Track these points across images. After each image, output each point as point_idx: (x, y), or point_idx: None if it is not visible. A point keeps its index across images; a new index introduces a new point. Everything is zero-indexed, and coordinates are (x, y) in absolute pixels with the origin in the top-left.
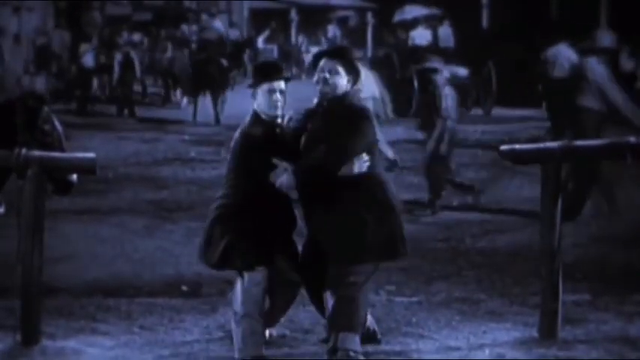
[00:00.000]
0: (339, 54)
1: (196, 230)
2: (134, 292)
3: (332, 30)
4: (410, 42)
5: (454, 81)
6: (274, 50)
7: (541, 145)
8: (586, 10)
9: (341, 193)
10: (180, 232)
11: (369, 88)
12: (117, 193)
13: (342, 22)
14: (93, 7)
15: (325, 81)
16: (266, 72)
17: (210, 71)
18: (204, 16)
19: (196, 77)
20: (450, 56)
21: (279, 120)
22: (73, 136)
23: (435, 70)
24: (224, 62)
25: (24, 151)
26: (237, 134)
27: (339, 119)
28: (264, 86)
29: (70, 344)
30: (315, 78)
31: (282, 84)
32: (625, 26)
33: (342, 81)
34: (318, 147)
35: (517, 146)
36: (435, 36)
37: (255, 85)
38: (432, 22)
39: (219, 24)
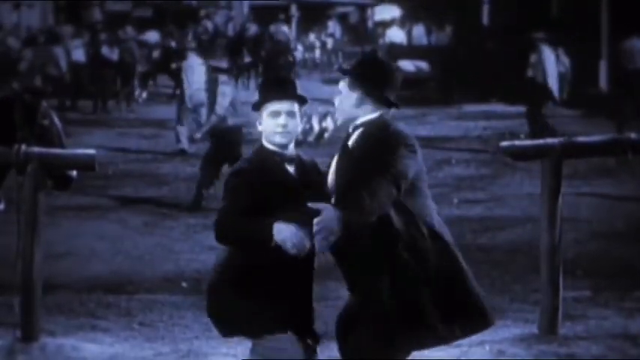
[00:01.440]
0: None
1: (196, 227)
2: (134, 288)
3: (332, 26)
4: (387, 40)
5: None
6: None
7: (541, 141)
8: (586, 7)
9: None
10: (180, 229)
11: (199, 79)
12: (117, 190)
13: (343, 18)
14: (93, 4)
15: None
16: (271, 89)
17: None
18: (272, 27)
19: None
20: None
21: (291, 152)
22: (72, 132)
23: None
24: (291, 59)
25: (23, 147)
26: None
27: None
28: (268, 107)
29: (69, 341)
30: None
31: (288, 105)
32: (625, 24)
33: (349, 101)
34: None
35: (517, 142)
36: (409, 35)
37: (259, 106)
38: (406, 22)
39: (285, 28)
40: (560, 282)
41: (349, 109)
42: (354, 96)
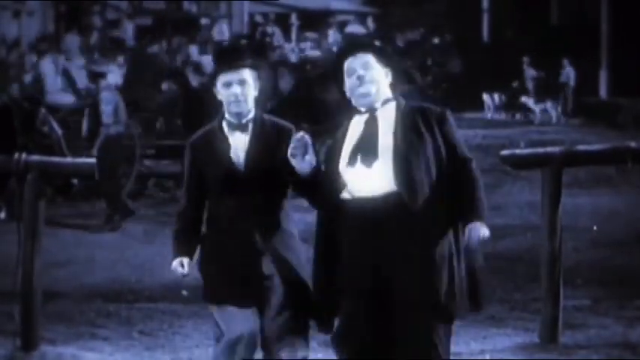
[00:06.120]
0: (363, 44)
1: None
2: (134, 297)
3: (332, 35)
4: None
5: None
6: None
7: (541, 150)
8: (586, 17)
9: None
10: None
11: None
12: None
13: (343, 27)
14: (93, 12)
15: (362, 79)
16: (219, 60)
17: None
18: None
19: None
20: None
21: (247, 121)
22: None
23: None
24: None
25: (23, 156)
26: None
27: (434, 127)
28: (220, 78)
29: (69, 349)
30: (348, 85)
31: (239, 74)
32: (625, 34)
33: (382, 74)
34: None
35: (518, 151)
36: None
37: (213, 78)
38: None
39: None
40: (561, 291)
41: (386, 80)
42: (384, 70)
